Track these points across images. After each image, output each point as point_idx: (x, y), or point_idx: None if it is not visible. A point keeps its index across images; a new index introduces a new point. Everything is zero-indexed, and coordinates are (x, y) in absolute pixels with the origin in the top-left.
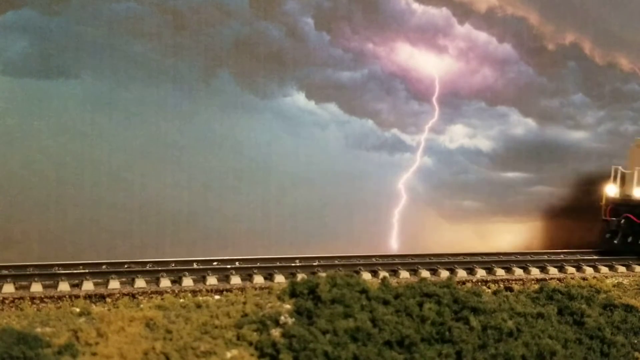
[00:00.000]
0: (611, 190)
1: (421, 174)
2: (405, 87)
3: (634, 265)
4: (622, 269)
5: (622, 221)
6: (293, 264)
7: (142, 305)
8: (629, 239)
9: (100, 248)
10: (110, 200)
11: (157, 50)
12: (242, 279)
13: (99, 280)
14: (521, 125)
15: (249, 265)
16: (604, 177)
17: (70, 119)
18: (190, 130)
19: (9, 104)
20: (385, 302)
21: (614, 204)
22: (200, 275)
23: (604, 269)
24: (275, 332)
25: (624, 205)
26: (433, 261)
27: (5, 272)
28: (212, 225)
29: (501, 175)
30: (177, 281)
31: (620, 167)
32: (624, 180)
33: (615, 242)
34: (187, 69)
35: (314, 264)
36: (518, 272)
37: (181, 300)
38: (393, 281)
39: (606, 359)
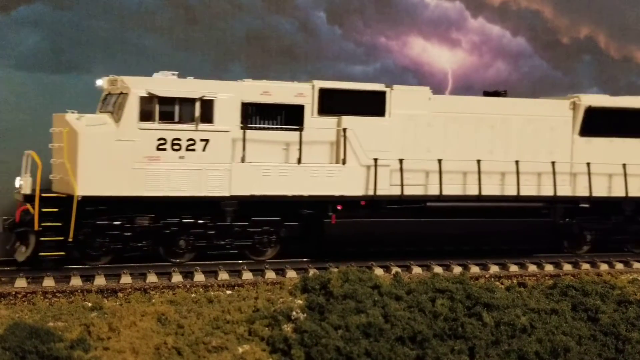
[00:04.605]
0: (19, 182)
1: None
2: (418, 81)
3: None
4: (637, 265)
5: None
6: (305, 259)
7: (153, 300)
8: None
9: None
10: None
11: (168, 45)
12: (253, 274)
13: (111, 275)
14: None
15: (261, 259)
16: None
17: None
18: None
19: (21, 98)
20: (398, 298)
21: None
22: (211, 270)
23: (619, 265)
24: (287, 328)
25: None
26: None
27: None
28: None
29: None
30: (188, 276)
31: (31, 152)
32: None
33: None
34: (199, 63)
35: (325, 258)
36: (532, 267)
37: (193, 295)
38: (405, 276)
39: (621, 356)
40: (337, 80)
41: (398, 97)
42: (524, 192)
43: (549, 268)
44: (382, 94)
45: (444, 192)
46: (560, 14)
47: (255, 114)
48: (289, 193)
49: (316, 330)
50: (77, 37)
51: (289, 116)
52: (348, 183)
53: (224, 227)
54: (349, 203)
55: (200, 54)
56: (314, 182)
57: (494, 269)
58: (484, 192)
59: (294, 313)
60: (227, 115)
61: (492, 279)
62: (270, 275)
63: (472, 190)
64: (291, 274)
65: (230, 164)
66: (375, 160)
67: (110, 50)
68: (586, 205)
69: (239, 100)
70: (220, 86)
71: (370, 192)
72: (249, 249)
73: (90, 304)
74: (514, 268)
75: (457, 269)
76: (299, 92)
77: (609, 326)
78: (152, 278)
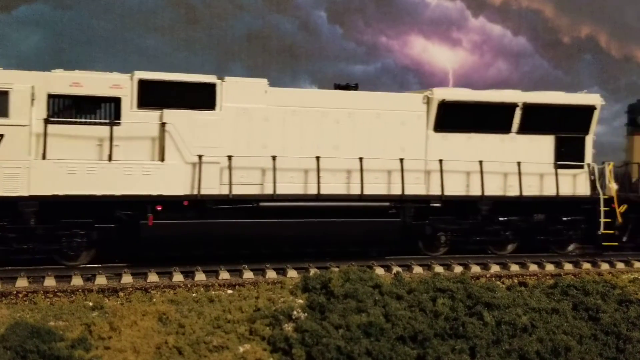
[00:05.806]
0: None
1: None
2: (418, 80)
3: None
4: (638, 264)
5: None
6: (305, 259)
7: (154, 300)
8: None
9: None
10: None
11: (169, 44)
12: (254, 274)
13: (112, 275)
14: None
15: (262, 259)
16: None
17: None
18: None
19: None
20: (399, 297)
21: None
22: (212, 270)
23: (620, 265)
24: (288, 327)
25: None
26: None
27: (19, 265)
28: None
29: None
30: (189, 275)
31: None
32: None
33: None
34: (200, 63)
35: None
36: (532, 267)
37: (194, 294)
38: (406, 276)
39: (622, 355)
40: (339, 80)
41: (230, 89)
42: (370, 190)
43: (549, 267)
44: (211, 86)
45: (281, 191)
46: (561, 14)
47: (68, 108)
48: (99, 193)
49: (317, 330)
50: (78, 36)
51: (106, 110)
52: (168, 182)
53: (25, 230)
54: (170, 203)
55: (201, 53)
56: (128, 180)
57: (495, 268)
58: (325, 191)
59: (294, 312)
60: (27, 108)
61: (493, 279)
62: (271, 274)
63: (314, 189)
64: (292, 273)
65: (30, 161)
66: (200, 157)
67: (111, 49)
68: (438, 205)
69: (44, 92)
70: (19, 76)
71: (195, 192)
72: (58, 253)
73: (91, 304)
74: (514, 267)
75: (458, 269)
76: (115, 84)
77: (610, 325)
78: (153, 277)
